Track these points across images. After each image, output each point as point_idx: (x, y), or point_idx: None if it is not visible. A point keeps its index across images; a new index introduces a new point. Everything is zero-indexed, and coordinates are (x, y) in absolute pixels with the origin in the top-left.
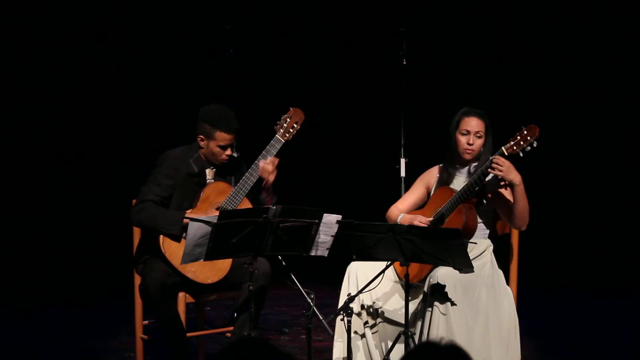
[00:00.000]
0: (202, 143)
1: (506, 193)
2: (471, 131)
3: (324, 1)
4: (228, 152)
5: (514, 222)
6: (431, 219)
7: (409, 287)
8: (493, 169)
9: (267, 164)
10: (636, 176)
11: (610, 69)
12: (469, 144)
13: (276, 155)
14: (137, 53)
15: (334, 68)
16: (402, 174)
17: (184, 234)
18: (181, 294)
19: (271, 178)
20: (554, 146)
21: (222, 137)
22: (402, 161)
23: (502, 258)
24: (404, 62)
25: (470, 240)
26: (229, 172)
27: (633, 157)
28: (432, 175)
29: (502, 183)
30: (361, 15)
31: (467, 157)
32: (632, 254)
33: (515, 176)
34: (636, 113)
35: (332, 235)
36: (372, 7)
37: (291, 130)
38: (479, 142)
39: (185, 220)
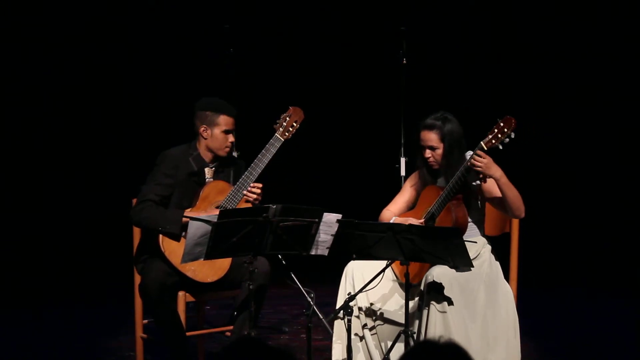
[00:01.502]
0: (205, 133)
1: (491, 185)
2: (424, 145)
3: (324, 1)
4: (231, 138)
5: (509, 212)
6: (422, 220)
7: (409, 286)
8: (474, 165)
9: (253, 190)
10: (636, 176)
11: (610, 69)
12: (426, 157)
13: (275, 155)
14: (137, 53)
15: (334, 68)
16: (402, 173)
17: (184, 233)
18: (181, 293)
19: (257, 201)
20: (554, 146)
21: (226, 120)
22: (402, 160)
23: (502, 257)
24: (404, 62)
25: (470, 239)
26: (229, 171)
27: (633, 157)
28: (418, 176)
29: (481, 176)
30: (361, 14)
31: (433, 167)
32: (632, 254)
33: (495, 170)
34: (636, 113)
35: (332, 235)
36: (372, 7)
37: (290, 129)
38: (436, 154)
39: (185, 219)
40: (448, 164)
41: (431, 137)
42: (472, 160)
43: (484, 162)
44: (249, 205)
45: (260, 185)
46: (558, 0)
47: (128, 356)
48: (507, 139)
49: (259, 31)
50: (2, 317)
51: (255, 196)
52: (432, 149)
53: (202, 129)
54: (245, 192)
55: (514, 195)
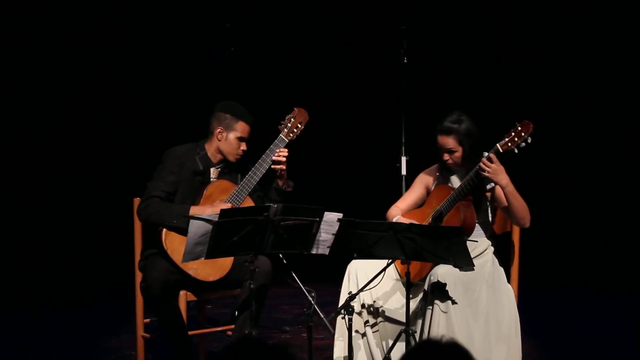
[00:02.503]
0: (220, 136)
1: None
2: (443, 149)
3: (324, 1)
4: (244, 146)
5: (513, 220)
6: (428, 222)
7: (410, 285)
8: (482, 169)
9: (280, 154)
10: (636, 176)
11: (610, 69)
12: (445, 159)
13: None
14: (137, 53)
15: (334, 68)
16: (403, 172)
17: None
18: (182, 292)
19: (284, 167)
20: (554, 146)
21: (243, 127)
22: (403, 159)
23: (504, 257)
24: (405, 61)
25: (471, 239)
26: (233, 171)
27: (633, 157)
28: (431, 174)
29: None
30: (361, 14)
31: (453, 168)
32: (632, 253)
33: (502, 178)
34: (636, 113)
35: (333, 234)
36: (373, 6)
37: (295, 130)
38: (455, 156)
39: (192, 213)
40: (472, 162)
41: (448, 142)
42: (480, 164)
43: (493, 168)
44: (253, 204)
45: (286, 151)
46: (558, 0)
47: (129, 355)
48: (524, 143)
49: (259, 30)
50: (2, 317)
51: (280, 165)
52: (451, 152)
53: (218, 130)
54: (273, 157)
55: (519, 205)
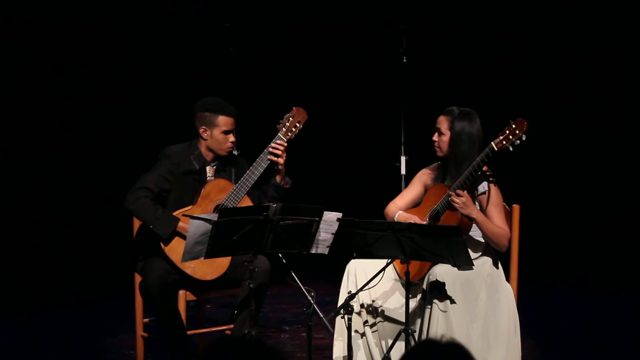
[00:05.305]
0: (205, 134)
1: (488, 200)
2: (435, 127)
3: (323, 1)
4: (232, 138)
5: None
6: (425, 221)
7: (410, 285)
8: (452, 201)
9: (276, 148)
10: (636, 176)
11: (610, 68)
12: (433, 139)
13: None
14: (137, 53)
15: (333, 67)
16: (403, 171)
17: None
18: (181, 292)
19: (281, 161)
20: (554, 145)
21: (225, 121)
22: (403, 159)
23: (503, 256)
24: (404, 60)
25: (476, 238)
26: (230, 169)
27: (633, 156)
28: (429, 173)
29: (491, 179)
30: (361, 13)
31: (437, 154)
32: (632, 253)
33: (471, 211)
34: (636, 113)
35: (332, 233)
36: (372, 5)
37: (293, 129)
38: (441, 140)
39: (182, 224)
40: (454, 158)
41: (441, 120)
42: (450, 197)
43: (462, 201)
44: (251, 203)
45: (284, 142)
46: (558, 1)
47: (128, 355)
48: (518, 141)
49: (259, 30)
50: (2, 317)
51: (280, 152)
52: (440, 133)
53: (202, 130)
54: (270, 148)
55: (491, 234)
